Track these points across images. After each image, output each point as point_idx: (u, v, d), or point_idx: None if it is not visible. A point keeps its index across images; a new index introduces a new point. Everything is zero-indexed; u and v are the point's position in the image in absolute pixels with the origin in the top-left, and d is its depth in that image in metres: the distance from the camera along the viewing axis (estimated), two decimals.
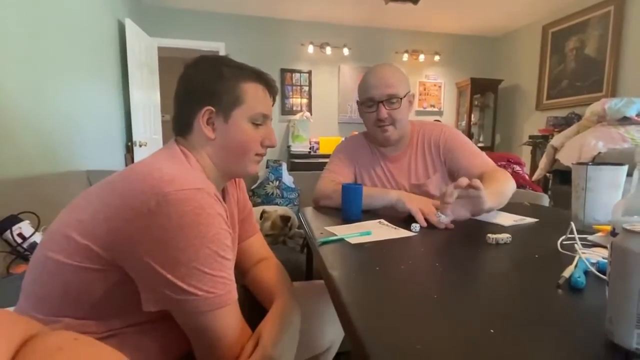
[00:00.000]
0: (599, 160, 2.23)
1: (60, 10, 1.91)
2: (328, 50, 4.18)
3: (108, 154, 2.57)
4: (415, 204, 0.85)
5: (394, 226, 0.79)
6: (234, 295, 0.54)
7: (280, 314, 0.64)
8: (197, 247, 0.49)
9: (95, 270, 0.50)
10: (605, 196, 0.74)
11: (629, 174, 0.72)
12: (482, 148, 1.10)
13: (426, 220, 0.81)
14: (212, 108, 0.63)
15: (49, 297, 0.51)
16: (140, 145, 2.94)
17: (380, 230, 0.76)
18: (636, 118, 2.26)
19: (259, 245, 0.86)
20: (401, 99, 1.04)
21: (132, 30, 2.87)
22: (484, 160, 1.04)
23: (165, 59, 4.05)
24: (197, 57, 0.67)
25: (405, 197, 0.91)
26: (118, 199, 0.51)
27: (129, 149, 2.91)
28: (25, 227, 1.22)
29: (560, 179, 2.66)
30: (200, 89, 0.64)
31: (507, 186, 0.92)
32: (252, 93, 0.66)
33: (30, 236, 1.23)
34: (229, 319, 0.53)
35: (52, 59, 1.81)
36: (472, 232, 0.77)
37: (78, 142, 2.07)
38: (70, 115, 2.00)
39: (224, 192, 0.74)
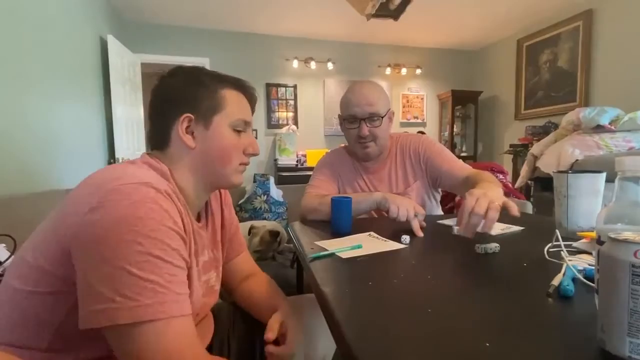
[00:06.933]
0: (576, 167, 2.31)
1: (39, 27, 1.88)
2: (313, 64, 4.24)
3: (90, 171, 2.48)
4: (396, 202, 0.89)
5: (384, 238, 0.79)
6: (174, 310, 0.44)
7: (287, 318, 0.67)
8: (128, 242, 0.42)
9: (50, 294, 0.46)
10: (586, 203, 0.76)
11: (607, 181, 0.75)
12: (465, 157, 1.15)
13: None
14: (191, 115, 0.59)
15: (12, 326, 0.47)
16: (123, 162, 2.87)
17: (370, 243, 0.76)
18: (609, 126, 2.36)
19: (247, 262, 0.84)
20: (382, 117, 1.08)
21: (114, 47, 2.85)
22: (462, 165, 1.10)
23: (149, 75, 4.01)
24: (173, 67, 0.64)
25: (389, 196, 0.94)
26: (67, 207, 0.49)
27: None
28: (0, 251, 1.17)
29: (542, 186, 2.73)
30: (178, 97, 0.60)
31: (499, 190, 0.87)
32: (232, 99, 0.63)
33: (6, 260, 1.16)
34: (164, 340, 0.42)
35: (31, 76, 1.77)
36: (460, 241, 0.77)
37: (58, 160, 2.00)
38: (50, 133, 1.94)
39: (206, 208, 0.70)
